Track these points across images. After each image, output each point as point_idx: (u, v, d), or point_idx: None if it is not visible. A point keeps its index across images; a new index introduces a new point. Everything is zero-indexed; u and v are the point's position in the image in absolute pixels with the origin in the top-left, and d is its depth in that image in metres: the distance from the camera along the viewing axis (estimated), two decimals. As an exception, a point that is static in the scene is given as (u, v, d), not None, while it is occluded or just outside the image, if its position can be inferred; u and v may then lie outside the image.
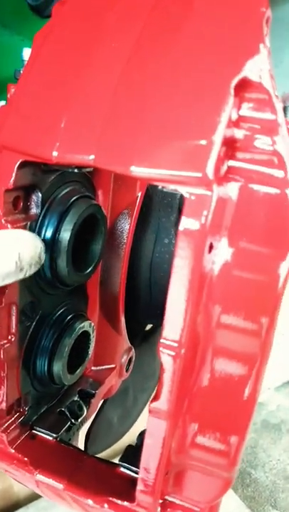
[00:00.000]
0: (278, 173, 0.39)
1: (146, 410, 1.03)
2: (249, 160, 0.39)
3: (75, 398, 0.64)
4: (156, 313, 0.80)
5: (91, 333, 0.61)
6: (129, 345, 0.79)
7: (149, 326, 0.96)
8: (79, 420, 0.63)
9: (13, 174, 0.43)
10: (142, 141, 0.38)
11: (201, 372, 0.44)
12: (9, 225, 0.44)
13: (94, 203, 0.54)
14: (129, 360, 0.80)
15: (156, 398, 0.43)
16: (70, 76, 0.41)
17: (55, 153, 0.39)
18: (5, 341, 0.48)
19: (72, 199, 0.50)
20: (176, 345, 0.40)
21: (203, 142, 0.36)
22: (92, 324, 0.62)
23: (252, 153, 0.39)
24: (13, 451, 0.54)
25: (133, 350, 0.80)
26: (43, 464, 0.53)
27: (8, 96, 0.50)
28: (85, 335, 0.60)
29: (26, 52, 0.49)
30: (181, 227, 0.37)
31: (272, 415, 1.84)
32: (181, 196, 0.74)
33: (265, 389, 1.96)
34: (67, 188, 0.51)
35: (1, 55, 0.85)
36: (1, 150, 0.45)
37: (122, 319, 0.73)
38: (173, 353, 0.40)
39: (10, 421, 0.54)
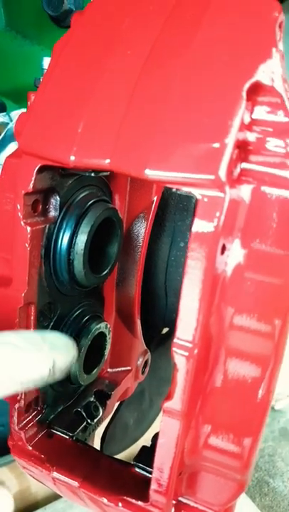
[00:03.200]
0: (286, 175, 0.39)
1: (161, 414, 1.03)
2: (262, 162, 0.40)
3: (91, 399, 0.65)
4: (172, 317, 0.81)
5: (107, 334, 0.62)
6: (145, 348, 0.79)
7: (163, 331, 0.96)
8: (95, 421, 0.63)
9: (33, 178, 0.44)
10: (156, 144, 0.39)
11: (214, 372, 0.44)
12: (28, 227, 0.46)
13: (110, 207, 0.55)
14: (145, 363, 0.80)
15: (169, 397, 0.43)
16: (87, 82, 0.43)
17: (72, 158, 0.41)
18: (23, 340, 0.50)
19: (89, 203, 0.52)
20: (189, 345, 0.40)
21: (216, 145, 0.37)
22: (108, 325, 0.63)
23: (264, 155, 0.40)
24: (30, 448, 0.55)
25: (149, 353, 0.80)
26: (60, 461, 0.54)
27: (29, 104, 0.52)
28: (102, 336, 0.61)
29: (46, 61, 0.51)
30: (193, 229, 0.38)
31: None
32: (197, 200, 0.74)
33: (284, 396, 1.93)
34: (84, 192, 0.52)
35: (21, 65, 0.87)
36: (21, 155, 0.47)
37: (138, 322, 0.74)
38: (186, 353, 0.41)
39: (28, 419, 0.55)
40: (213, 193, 0.37)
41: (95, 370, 0.62)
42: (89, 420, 0.62)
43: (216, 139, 0.37)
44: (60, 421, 0.60)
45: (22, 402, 0.53)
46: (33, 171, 0.44)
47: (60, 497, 1.45)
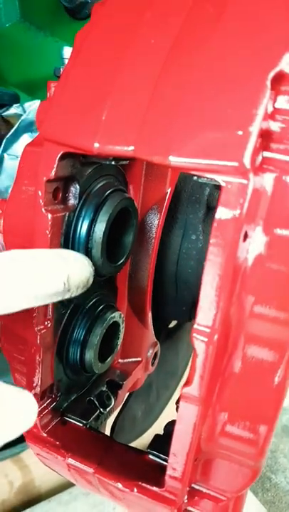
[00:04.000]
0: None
1: (167, 408, 1.03)
2: (284, 151, 0.40)
3: (104, 388, 0.66)
4: (182, 309, 0.81)
5: (121, 323, 0.63)
6: (155, 340, 0.80)
7: (172, 324, 0.97)
8: (107, 410, 0.64)
9: (55, 165, 0.45)
10: (180, 131, 0.39)
11: (232, 358, 0.45)
12: (49, 214, 0.46)
13: (127, 197, 0.55)
14: (155, 355, 0.81)
15: (188, 383, 0.44)
16: (110, 71, 0.43)
17: (96, 145, 0.41)
18: (42, 327, 0.50)
19: (108, 192, 0.52)
20: (209, 330, 0.41)
21: (240, 133, 0.37)
22: (122, 315, 0.63)
23: (286, 144, 0.40)
24: (45, 435, 0.55)
25: (158, 345, 0.81)
26: (74, 448, 0.55)
27: (48, 93, 0.52)
28: (115, 325, 0.61)
29: (67, 51, 0.51)
30: (217, 215, 0.38)
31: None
32: (209, 193, 0.75)
33: (286, 394, 1.94)
34: (102, 181, 0.53)
35: (35, 57, 0.88)
36: (41, 143, 0.47)
37: (149, 313, 0.74)
38: (206, 339, 0.41)
39: (43, 406, 0.56)
40: (237, 180, 0.38)
41: (108, 359, 0.62)
42: (101, 409, 0.63)
43: (240, 127, 0.37)
44: (74, 409, 0.60)
45: (38, 388, 0.53)
46: (55, 158, 0.45)
47: (65, 489, 1.45)
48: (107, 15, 0.47)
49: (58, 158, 0.44)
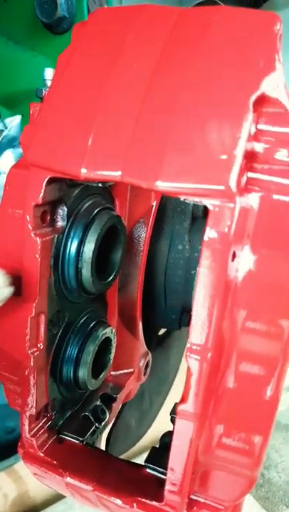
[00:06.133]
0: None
1: (161, 412, 1.04)
2: (268, 171, 0.41)
3: (98, 403, 0.66)
4: (171, 318, 0.82)
5: (112, 339, 0.63)
6: (146, 349, 0.80)
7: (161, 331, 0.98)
8: (102, 424, 0.64)
9: (42, 190, 0.45)
10: (166, 156, 0.40)
11: (225, 374, 0.46)
12: (38, 239, 0.46)
13: (115, 214, 0.56)
14: (147, 364, 0.81)
15: (183, 401, 0.44)
16: (94, 95, 0.43)
17: (83, 170, 0.41)
18: (35, 349, 0.50)
19: (95, 211, 0.52)
20: (202, 349, 0.42)
21: (225, 156, 0.38)
22: (114, 330, 0.63)
23: (270, 164, 0.41)
24: (42, 454, 0.56)
25: (150, 354, 0.82)
26: (72, 466, 0.55)
27: (31, 114, 0.52)
28: (107, 341, 0.62)
29: (48, 72, 0.51)
30: (205, 238, 0.39)
31: (284, 415, 1.85)
32: (194, 204, 0.76)
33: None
34: (89, 201, 0.53)
35: (14, 71, 0.87)
36: (26, 165, 0.47)
37: (140, 324, 0.75)
38: (199, 357, 0.42)
39: (38, 426, 0.56)
40: (223, 202, 0.39)
41: (102, 375, 0.63)
42: (97, 424, 0.63)
43: (225, 151, 0.38)
44: (69, 426, 0.60)
45: (33, 410, 0.53)
46: (42, 183, 0.45)
47: (59, 499, 1.45)
48: (88, 37, 0.47)
49: (45, 183, 0.45)
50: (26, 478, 1.44)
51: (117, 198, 0.63)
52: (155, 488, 0.53)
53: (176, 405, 0.64)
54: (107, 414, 0.66)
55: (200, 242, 0.75)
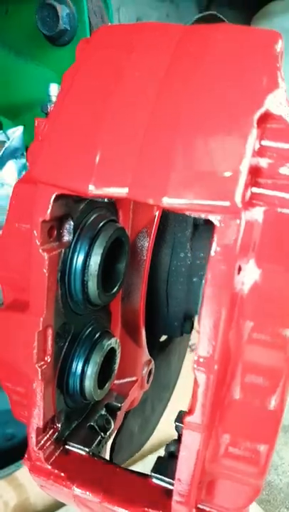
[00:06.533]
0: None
1: (163, 419, 1.05)
2: (272, 186, 0.42)
3: (103, 412, 0.67)
4: (174, 325, 0.83)
5: (117, 349, 0.64)
6: (149, 357, 0.81)
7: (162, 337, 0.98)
8: (108, 433, 0.65)
9: (50, 206, 0.45)
10: (172, 173, 0.40)
11: (231, 385, 0.46)
12: (46, 254, 0.47)
13: (119, 227, 0.56)
14: (150, 372, 0.82)
15: (190, 412, 0.45)
16: (100, 112, 0.44)
17: (91, 187, 0.42)
18: (42, 363, 0.51)
19: (100, 224, 0.53)
20: (209, 362, 0.42)
21: (230, 173, 0.39)
22: (118, 341, 0.64)
23: (274, 179, 0.42)
24: (49, 467, 0.56)
25: (152, 362, 0.82)
26: (78, 477, 0.56)
27: (36, 129, 0.53)
28: (112, 351, 0.62)
29: (53, 88, 0.51)
30: (212, 253, 0.40)
31: (284, 418, 1.87)
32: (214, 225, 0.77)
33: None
34: (94, 214, 0.54)
35: (16, 82, 0.88)
36: (32, 180, 0.48)
37: (143, 332, 0.76)
38: (206, 370, 0.43)
39: (45, 438, 0.56)
40: (229, 218, 0.39)
41: (107, 385, 0.63)
42: (102, 434, 0.63)
43: (230, 167, 0.39)
44: (75, 437, 0.61)
45: (40, 422, 0.54)
46: (49, 200, 0.45)
47: (61, 506, 1.45)
48: (93, 55, 0.48)
49: (52, 200, 0.45)
50: (27, 485, 1.44)
51: (120, 210, 0.63)
52: (162, 499, 0.53)
53: (180, 414, 0.65)
54: (112, 423, 0.66)
55: (201, 249, 0.76)
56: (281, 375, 0.45)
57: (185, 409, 0.47)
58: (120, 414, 0.71)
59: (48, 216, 0.46)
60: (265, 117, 0.41)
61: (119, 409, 0.69)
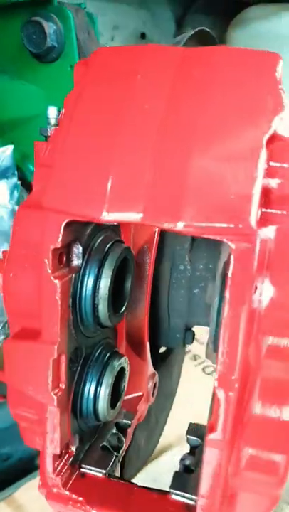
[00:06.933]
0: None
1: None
2: (282, 205, 0.43)
3: (114, 431, 0.66)
4: (176, 336, 0.83)
5: (126, 367, 0.64)
6: (153, 370, 0.81)
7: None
8: (120, 452, 0.65)
9: (60, 234, 0.45)
10: (186, 198, 0.41)
11: (250, 400, 0.47)
12: (58, 281, 0.47)
13: (125, 247, 0.56)
14: (154, 385, 0.82)
15: (212, 430, 0.46)
16: (109, 137, 0.44)
17: (104, 214, 0.42)
18: (57, 390, 0.50)
19: (107, 246, 0.53)
20: (230, 380, 0.43)
21: (243, 196, 0.40)
22: (127, 359, 0.64)
23: (283, 199, 0.43)
24: (67, 492, 0.55)
25: (157, 375, 0.82)
26: (97, 501, 0.55)
27: (36, 153, 0.52)
28: (122, 370, 0.62)
29: (52, 111, 0.51)
30: (230, 274, 0.41)
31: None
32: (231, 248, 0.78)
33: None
34: (101, 236, 0.54)
35: (4, 100, 0.86)
36: (34, 205, 0.47)
37: (148, 346, 0.76)
38: (228, 389, 0.43)
39: (61, 463, 0.56)
40: (244, 240, 0.40)
41: (118, 404, 0.63)
42: (115, 453, 0.63)
43: (244, 190, 0.40)
44: (90, 459, 0.60)
45: (57, 449, 0.53)
46: (60, 227, 0.45)
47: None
48: (95, 78, 0.48)
49: (63, 227, 0.45)
50: (27, 505, 1.42)
51: (122, 229, 0.63)
52: (184, 515, 0.53)
53: (191, 427, 0.65)
54: (124, 441, 0.66)
55: (200, 261, 0.77)
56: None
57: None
58: (130, 431, 0.71)
59: (59, 244, 0.45)
60: (273, 139, 0.42)
61: (129, 426, 0.69)
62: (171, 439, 1.36)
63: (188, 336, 0.84)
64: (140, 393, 0.77)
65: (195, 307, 0.78)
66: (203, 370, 1.91)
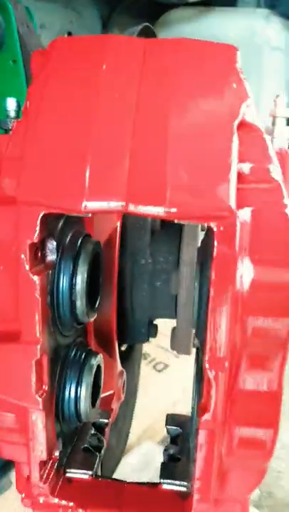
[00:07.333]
0: (276, 197, 0.46)
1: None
2: (254, 188, 0.45)
3: (92, 432, 0.65)
4: (141, 331, 0.83)
5: (102, 365, 0.63)
6: (121, 368, 0.81)
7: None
8: (102, 452, 0.63)
9: (37, 228, 0.43)
10: (166, 183, 0.41)
11: (237, 377, 0.49)
12: (36, 277, 0.45)
13: (95, 241, 0.55)
14: (123, 383, 0.82)
15: (205, 411, 0.46)
16: (82, 126, 0.43)
17: (84, 204, 0.41)
18: (41, 392, 0.48)
19: (80, 241, 0.52)
20: (220, 360, 0.44)
21: (222, 180, 0.41)
22: (102, 357, 0.63)
23: (255, 182, 0.45)
24: (56, 500, 0.53)
25: (125, 372, 0.82)
26: (89, 503, 0.54)
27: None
28: (98, 368, 0.61)
29: (11, 103, 0.49)
30: (215, 254, 0.42)
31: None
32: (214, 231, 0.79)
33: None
34: (71, 230, 0.52)
35: None
36: (9, 203, 0.45)
37: (116, 343, 0.75)
38: (218, 369, 0.44)
39: (47, 470, 0.53)
40: (226, 222, 0.42)
41: (97, 402, 0.62)
42: (97, 453, 0.62)
43: (221, 175, 0.41)
44: (73, 462, 0.58)
45: (44, 454, 0.51)
46: (36, 221, 0.43)
47: None
48: (58, 68, 0.47)
49: (39, 220, 0.43)
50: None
51: (86, 223, 0.62)
52: (177, 501, 0.54)
53: (169, 418, 0.66)
54: (104, 440, 0.65)
55: (161, 254, 0.78)
56: (279, 360, 0.48)
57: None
58: (108, 430, 0.70)
59: (36, 238, 0.43)
60: (241, 125, 0.44)
61: (106, 424, 0.68)
62: (131, 439, 1.35)
63: (152, 329, 0.84)
64: (111, 391, 0.76)
65: (159, 300, 0.78)
66: (154, 367, 1.93)
